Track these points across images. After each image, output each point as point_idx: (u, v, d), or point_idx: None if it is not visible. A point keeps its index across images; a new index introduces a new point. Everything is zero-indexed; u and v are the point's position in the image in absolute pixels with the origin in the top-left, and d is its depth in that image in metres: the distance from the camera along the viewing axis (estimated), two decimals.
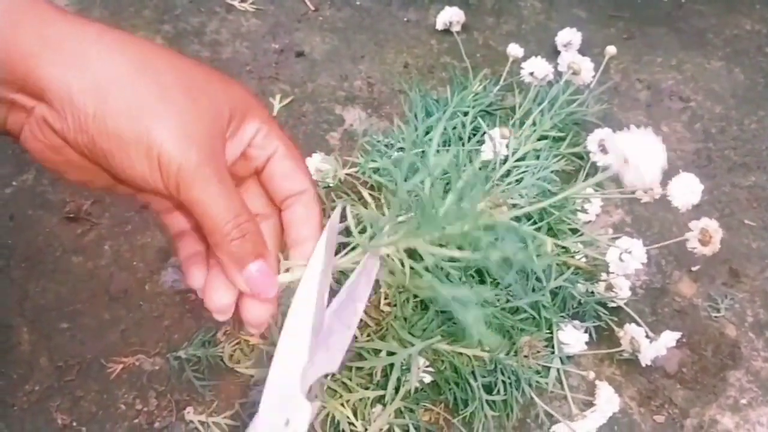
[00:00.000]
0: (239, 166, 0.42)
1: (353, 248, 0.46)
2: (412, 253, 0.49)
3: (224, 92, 0.39)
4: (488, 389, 0.65)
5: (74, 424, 0.65)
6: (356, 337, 0.63)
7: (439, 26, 0.96)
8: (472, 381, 0.64)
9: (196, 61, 0.40)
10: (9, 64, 0.35)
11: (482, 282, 0.65)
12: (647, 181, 0.49)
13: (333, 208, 0.65)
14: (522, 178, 0.64)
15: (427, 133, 0.79)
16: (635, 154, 0.47)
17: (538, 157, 0.73)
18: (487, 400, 0.64)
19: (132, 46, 0.37)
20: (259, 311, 0.42)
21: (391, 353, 0.61)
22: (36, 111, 0.37)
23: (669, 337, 0.64)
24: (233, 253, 0.39)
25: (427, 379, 0.64)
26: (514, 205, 0.62)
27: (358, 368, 0.63)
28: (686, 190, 0.62)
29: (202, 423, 0.65)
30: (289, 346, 0.42)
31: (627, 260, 0.63)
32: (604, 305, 0.71)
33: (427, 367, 0.64)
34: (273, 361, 0.42)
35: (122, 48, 0.37)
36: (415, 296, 0.65)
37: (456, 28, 0.95)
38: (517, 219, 0.65)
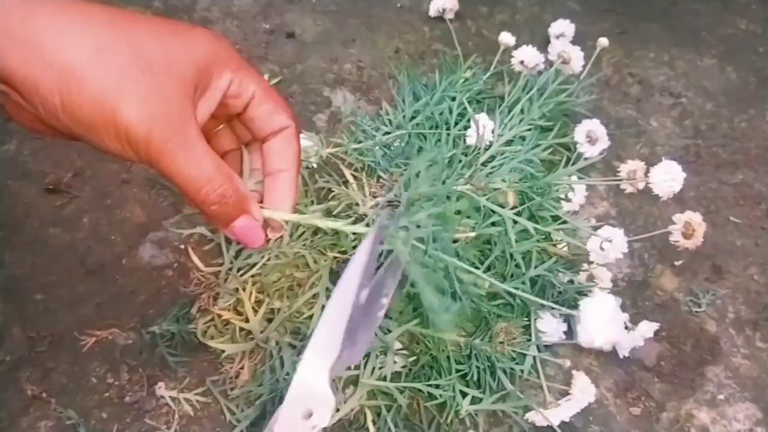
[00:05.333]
0: (218, 112, 0.43)
1: None
2: None
3: (186, 53, 0.40)
4: (463, 375, 0.64)
5: (44, 395, 0.64)
6: None
7: (432, 13, 0.95)
8: (446, 367, 0.63)
9: (154, 21, 0.40)
10: None
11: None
12: (597, 343, 0.55)
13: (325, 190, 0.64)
14: (503, 163, 0.64)
15: (413, 117, 0.78)
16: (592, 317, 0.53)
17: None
18: (461, 390, 0.63)
19: (87, 26, 0.37)
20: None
21: None
22: (10, 95, 0.38)
23: (647, 328, 0.64)
24: (214, 216, 0.42)
25: (401, 362, 0.63)
26: (496, 189, 0.62)
27: None
28: (667, 177, 0.61)
29: (173, 399, 0.64)
30: (324, 341, 0.43)
31: (608, 249, 0.63)
32: (584, 295, 0.70)
33: (400, 350, 0.63)
34: (305, 353, 0.43)
35: (77, 30, 0.37)
36: None
37: (449, 16, 0.95)
38: (499, 204, 0.64)
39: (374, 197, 0.68)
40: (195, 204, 0.42)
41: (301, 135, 0.73)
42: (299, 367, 0.42)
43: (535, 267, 0.64)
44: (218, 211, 0.42)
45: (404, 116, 0.78)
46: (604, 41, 0.84)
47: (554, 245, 0.69)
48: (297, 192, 0.47)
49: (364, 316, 0.44)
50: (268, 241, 0.46)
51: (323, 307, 0.44)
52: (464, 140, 0.74)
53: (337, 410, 0.60)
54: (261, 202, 0.48)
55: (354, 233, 0.49)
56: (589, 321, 0.57)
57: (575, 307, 0.69)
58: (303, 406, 0.42)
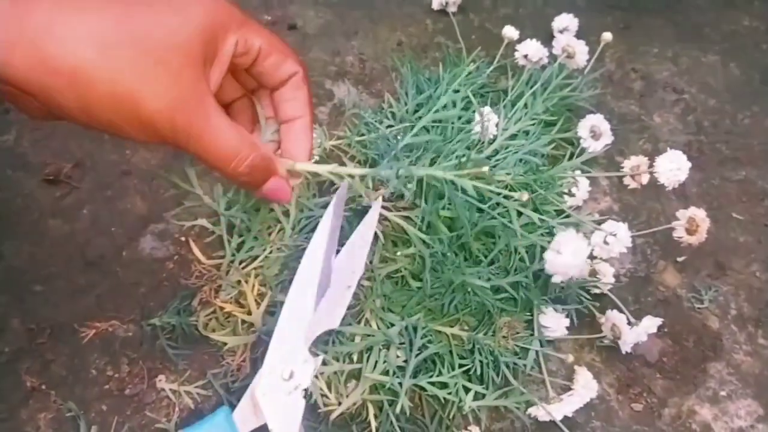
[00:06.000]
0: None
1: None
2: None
3: (189, 29, 0.39)
4: (466, 370, 0.64)
5: (43, 387, 0.64)
6: None
7: (435, 6, 0.95)
8: (449, 361, 0.63)
9: None
10: None
11: (465, 258, 0.64)
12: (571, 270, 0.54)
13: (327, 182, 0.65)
14: (507, 156, 0.63)
15: (417, 110, 0.78)
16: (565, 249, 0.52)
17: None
18: (464, 385, 0.63)
19: (84, 24, 0.36)
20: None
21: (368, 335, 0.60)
22: (25, 96, 0.37)
23: (650, 323, 0.64)
24: (246, 185, 0.44)
25: (403, 357, 0.63)
26: (500, 181, 0.61)
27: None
28: (673, 166, 0.61)
29: (173, 391, 0.64)
30: (296, 303, 0.45)
31: (612, 243, 0.62)
32: (586, 290, 0.70)
33: (402, 344, 0.63)
34: (280, 317, 0.45)
35: (75, 30, 0.36)
36: (396, 271, 0.64)
37: (452, 9, 0.94)
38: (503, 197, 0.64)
39: (376, 189, 0.68)
40: (225, 176, 0.43)
41: None
42: (275, 331, 0.44)
43: (539, 261, 0.64)
44: (249, 180, 0.43)
45: (407, 109, 0.78)
46: (607, 36, 0.83)
47: None
48: (313, 137, 0.48)
49: (339, 281, 0.47)
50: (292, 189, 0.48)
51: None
52: (468, 133, 0.73)
53: (339, 404, 0.60)
54: (278, 150, 0.49)
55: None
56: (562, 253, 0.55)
57: (579, 302, 0.69)
58: (283, 367, 0.44)
